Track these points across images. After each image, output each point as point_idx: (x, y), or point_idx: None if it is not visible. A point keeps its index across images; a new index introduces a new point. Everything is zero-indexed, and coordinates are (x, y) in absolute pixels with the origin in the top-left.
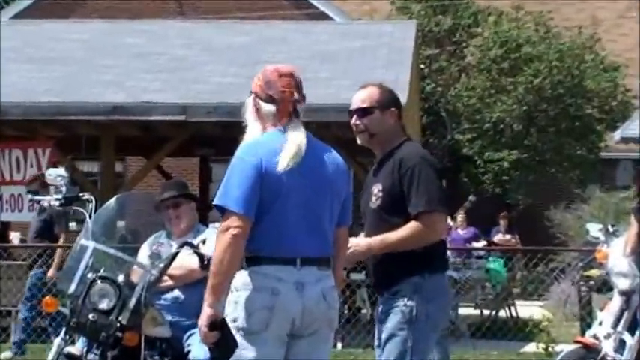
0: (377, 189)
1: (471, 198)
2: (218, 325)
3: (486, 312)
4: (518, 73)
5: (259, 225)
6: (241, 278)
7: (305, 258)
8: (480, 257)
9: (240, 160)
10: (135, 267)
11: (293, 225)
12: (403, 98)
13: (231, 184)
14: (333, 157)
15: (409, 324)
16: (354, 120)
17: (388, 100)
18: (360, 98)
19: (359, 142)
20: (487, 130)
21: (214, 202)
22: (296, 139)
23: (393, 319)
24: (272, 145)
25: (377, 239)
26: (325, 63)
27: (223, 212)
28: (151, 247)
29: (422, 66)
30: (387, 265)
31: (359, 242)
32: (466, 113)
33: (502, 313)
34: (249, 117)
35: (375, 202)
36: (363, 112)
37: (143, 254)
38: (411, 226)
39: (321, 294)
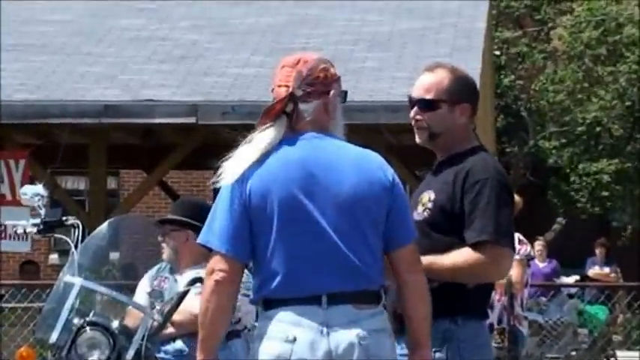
0: (427, 197)
1: (560, 220)
2: None
3: None
4: (619, 60)
5: (263, 262)
6: (257, 328)
7: (334, 294)
8: (571, 296)
9: (225, 186)
10: (132, 309)
11: (306, 256)
12: None
13: (215, 218)
14: (365, 168)
15: None
16: (413, 113)
17: (461, 91)
18: (425, 86)
19: (417, 140)
20: (580, 134)
21: (198, 240)
22: (254, 143)
23: None
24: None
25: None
26: (374, 50)
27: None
28: (152, 283)
29: (497, 53)
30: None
31: None
32: (553, 113)
33: None
34: None
35: (421, 212)
36: (426, 104)
37: (142, 291)
38: (470, 254)
39: (355, 339)
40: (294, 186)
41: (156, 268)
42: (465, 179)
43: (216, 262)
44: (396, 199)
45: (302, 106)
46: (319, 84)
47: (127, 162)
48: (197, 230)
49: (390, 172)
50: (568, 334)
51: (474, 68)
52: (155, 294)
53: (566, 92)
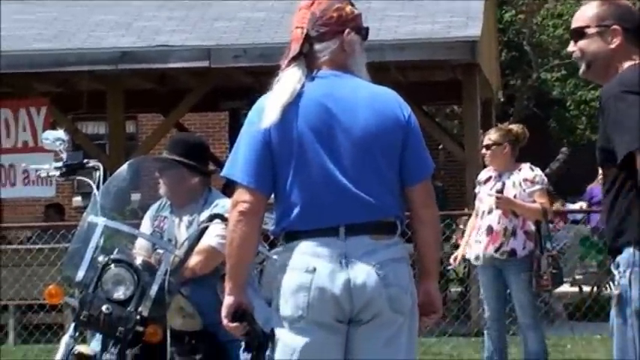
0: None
1: (564, 150)
2: (240, 315)
3: (586, 289)
4: None
5: (283, 196)
6: (279, 259)
7: (351, 225)
8: (575, 222)
9: (247, 123)
10: (138, 247)
11: (322, 189)
12: (476, 30)
13: (239, 152)
14: (380, 105)
15: (622, 311)
16: (570, 47)
17: (609, 14)
18: (576, 17)
19: (579, 74)
20: None
21: (221, 174)
22: (281, 84)
23: (612, 304)
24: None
25: None
26: None
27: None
28: (153, 223)
29: None
30: (611, 227)
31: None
32: (554, 46)
33: (605, 289)
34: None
35: (598, 156)
36: (576, 34)
37: (144, 231)
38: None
39: (372, 269)
40: (312, 122)
41: (156, 205)
42: (600, 105)
43: (240, 194)
44: (410, 135)
45: (317, 46)
46: (333, 24)
47: (144, 106)
48: (191, 169)
49: (405, 109)
50: (574, 259)
51: (476, 4)
52: (156, 235)
53: (565, 26)
